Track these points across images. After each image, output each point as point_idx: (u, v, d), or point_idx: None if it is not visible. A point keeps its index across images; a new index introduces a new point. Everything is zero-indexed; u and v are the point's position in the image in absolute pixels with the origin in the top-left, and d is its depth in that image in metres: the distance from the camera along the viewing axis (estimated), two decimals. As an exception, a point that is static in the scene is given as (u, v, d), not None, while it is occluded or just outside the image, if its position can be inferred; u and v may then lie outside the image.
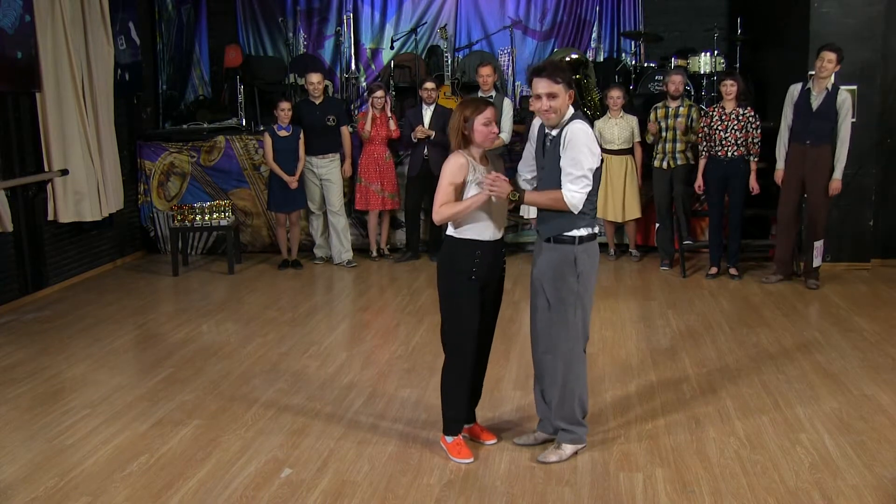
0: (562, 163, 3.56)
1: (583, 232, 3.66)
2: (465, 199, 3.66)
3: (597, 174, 3.59)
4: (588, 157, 3.54)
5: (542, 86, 3.54)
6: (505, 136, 7.47)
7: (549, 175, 3.65)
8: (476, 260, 3.69)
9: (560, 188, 3.58)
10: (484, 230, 3.70)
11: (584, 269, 3.68)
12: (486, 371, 4.04)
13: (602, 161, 3.63)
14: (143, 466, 3.86)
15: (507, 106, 7.57)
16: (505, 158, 6.50)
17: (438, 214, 3.66)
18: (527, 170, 3.89)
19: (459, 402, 3.86)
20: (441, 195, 3.65)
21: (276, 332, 5.94)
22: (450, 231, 3.75)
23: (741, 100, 6.94)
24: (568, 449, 3.82)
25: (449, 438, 3.89)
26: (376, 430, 4.20)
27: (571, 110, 3.65)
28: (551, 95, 3.54)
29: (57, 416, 4.47)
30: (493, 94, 7.61)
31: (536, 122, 3.80)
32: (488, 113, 3.63)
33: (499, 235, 3.76)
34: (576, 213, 3.58)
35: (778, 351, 5.31)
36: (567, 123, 3.61)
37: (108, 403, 4.64)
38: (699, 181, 7.14)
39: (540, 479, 3.66)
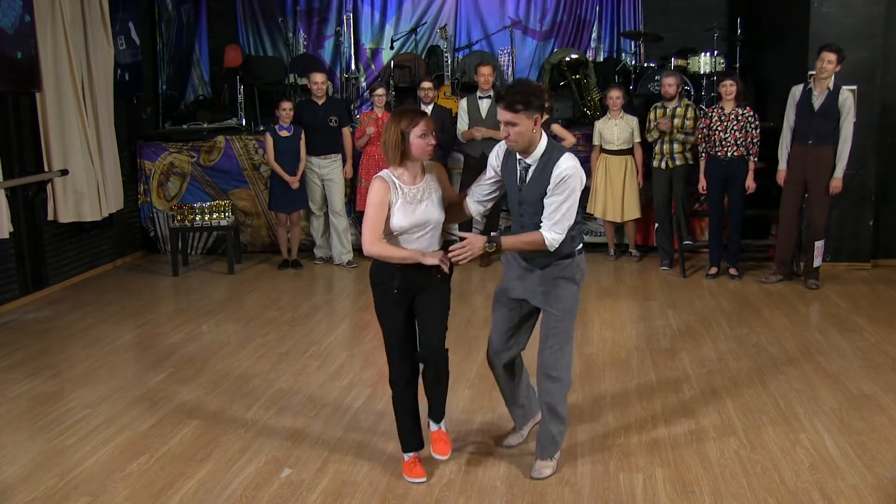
0: (549, 200, 3.40)
1: (579, 246, 3.61)
2: (398, 231, 3.51)
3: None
4: (577, 202, 3.43)
5: (500, 114, 3.37)
6: None
7: (532, 209, 3.48)
8: (396, 272, 3.53)
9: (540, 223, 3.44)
10: (417, 246, 3.54)
11: (580, 277, 3.64)
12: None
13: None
14: (143, 466, 3.86)
15: None
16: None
17: (368, 249, 3.50)
18: (481, 193, 3.69)
19: (406, 419, 3.72)
20: (370, 224, 3.47)
21: (276, 332, 5.94)
22: None
23: (740, 100, 6.94)
24: (555, 455, 3.78)
25: (406, 456, 3.76)
26: (376, 430, 4.20)
27: (545, 138, 3.47)
28: (509, 123, 3.35)
29: (57, 416, 4.47)
30: (493, 93, 7.61)
31: (495, 151, 3.66)
32: (423, 125, 3.44)
33: (434, 248, 3.58)
34: (552, 251, 3.46)
35: (778, 351, 5.31)
36: (550, 155, 3.43)
37: (108, 403, 4.64)
38: (702, 182, 7.13)
39: (540, 480, 3.66)
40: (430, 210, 3.54)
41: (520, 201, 3.55)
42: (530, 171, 3.48)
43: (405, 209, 3.49)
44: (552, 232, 3.41)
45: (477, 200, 3.72)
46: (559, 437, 3.74)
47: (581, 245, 3.62)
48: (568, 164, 3.38)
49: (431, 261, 3.44)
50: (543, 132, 3.48)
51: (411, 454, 3.75)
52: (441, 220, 3.60)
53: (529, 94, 3.35)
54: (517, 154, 3.50)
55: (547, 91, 7.61)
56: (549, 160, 3.41)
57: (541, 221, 3.45)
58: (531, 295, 3.63)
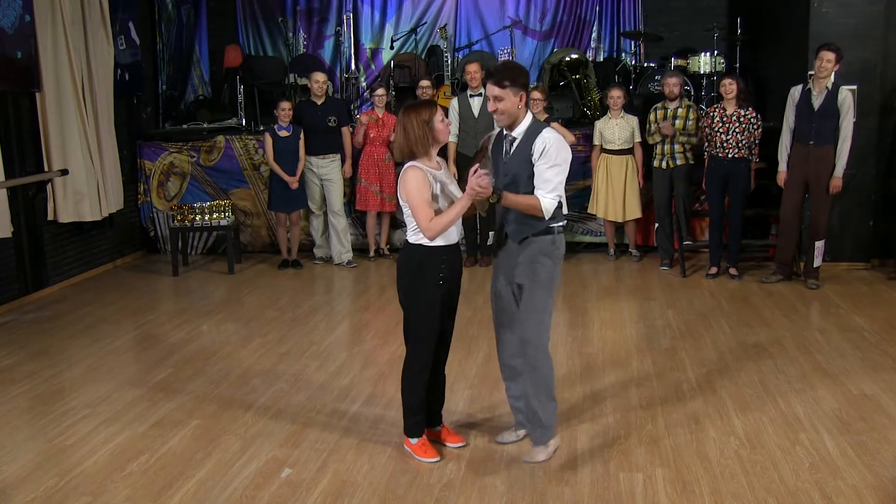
0: (537, 169, 3.62)
1: (558, 224, 3.75)
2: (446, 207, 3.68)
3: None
4: (564, 169, 3.65)
5: (489, 89, 3.66)
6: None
7: (514, 178, 3.69)
8: (443, 265, 3.71)
9: (529, 192, 3.64)
10: (451, 234, 3.71)
11: (558, 254, 3.76)
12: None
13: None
14: (143, 466, 3.86)
15: None
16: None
17: (432, 230, 3.61)
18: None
19: (421, 404, 3.86)
20: (422, 213, 3.60)
21: (276, 332, 5.94)
22: (414, 239, 3.72)
23: (742, 100, 6.93)
24: (551, 442, 3.82)
25: (413, 440, 3.89)
26: (376, 430, 4.21)
27: (529, 114, 3.73)
28: (497, 98, 3.63)
29: (57, 416, 4.47)
30: (483, 90, 7.60)
31: (487, 137, 3.90)
32: (441, 110, 3.71)
33: (459, 237, 3.81)
34: (546, 217, 3.64)
35: (778, 351, 5.31)
36: (534, 130, 3.67)
37: (108, 403, 4.64)
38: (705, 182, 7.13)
39: (540, 479, 3.66)
40: (457, 189, 3.78)
41: (504, 173, 3.76)
42: (515, 143, 3.72)
43: (444, 190, 3.70)
44: (545, 196, 3.62)
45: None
46: (546, 418, 3.76)
47: (561, 224, 3.77)
48: (548, 136, 3.64)
49: (476, 185, 3.48)
50: (530, 111, 3.76)
51: (422, 437, 3.89)
52: None
53: (516, 73, 3.65)
54: (504, 132, 3.77)
55: (545, 91, 7.61)
56: (532, 133, 3.68)
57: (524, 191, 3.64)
58: (510, 272, 3.77)
